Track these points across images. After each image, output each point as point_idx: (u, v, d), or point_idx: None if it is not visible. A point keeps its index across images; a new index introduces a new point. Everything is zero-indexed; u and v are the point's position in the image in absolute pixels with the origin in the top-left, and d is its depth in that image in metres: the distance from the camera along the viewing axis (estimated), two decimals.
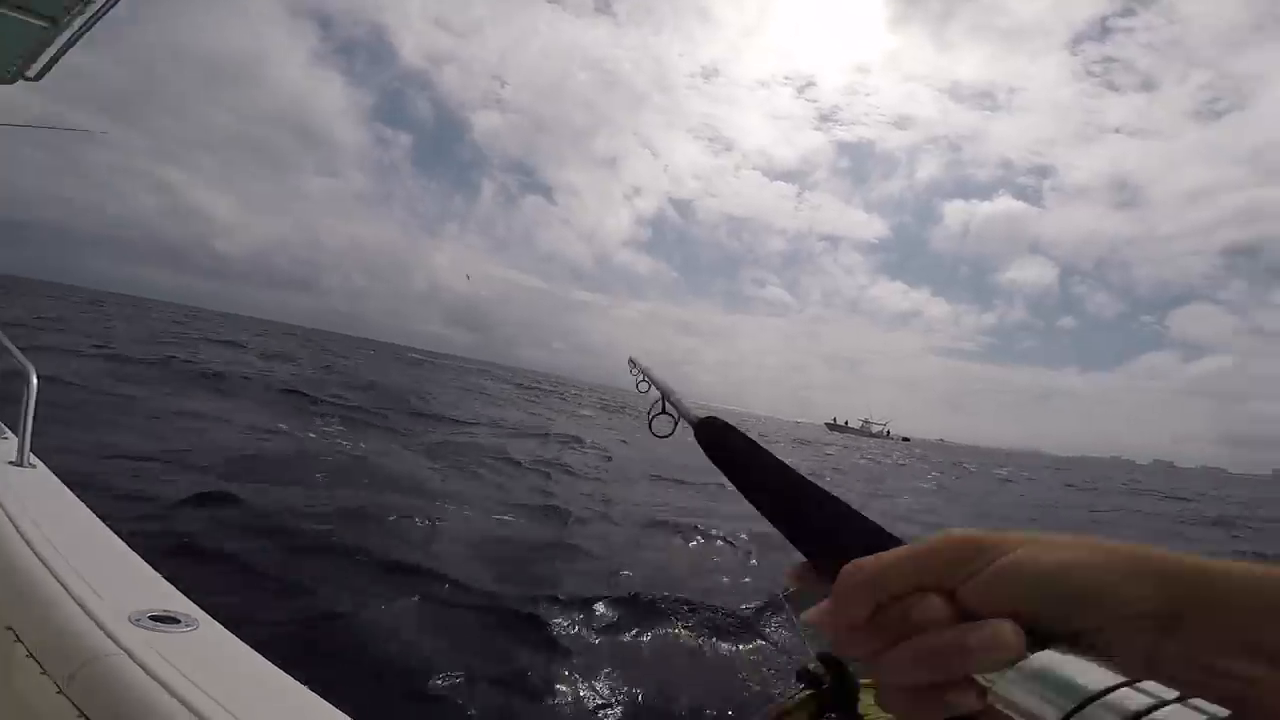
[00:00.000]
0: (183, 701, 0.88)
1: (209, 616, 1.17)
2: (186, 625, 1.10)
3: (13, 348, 2.24)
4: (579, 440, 15.40)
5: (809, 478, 0.46)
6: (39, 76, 3.98)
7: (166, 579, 1.30)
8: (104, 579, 1.21)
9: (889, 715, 0.34)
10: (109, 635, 1.00)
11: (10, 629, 1.13)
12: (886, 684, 0.33)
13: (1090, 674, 0.27)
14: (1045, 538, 0.31)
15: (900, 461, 37.87)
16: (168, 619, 1.09)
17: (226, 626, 1.17)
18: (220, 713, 0.89)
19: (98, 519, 1.59)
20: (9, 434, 2.19)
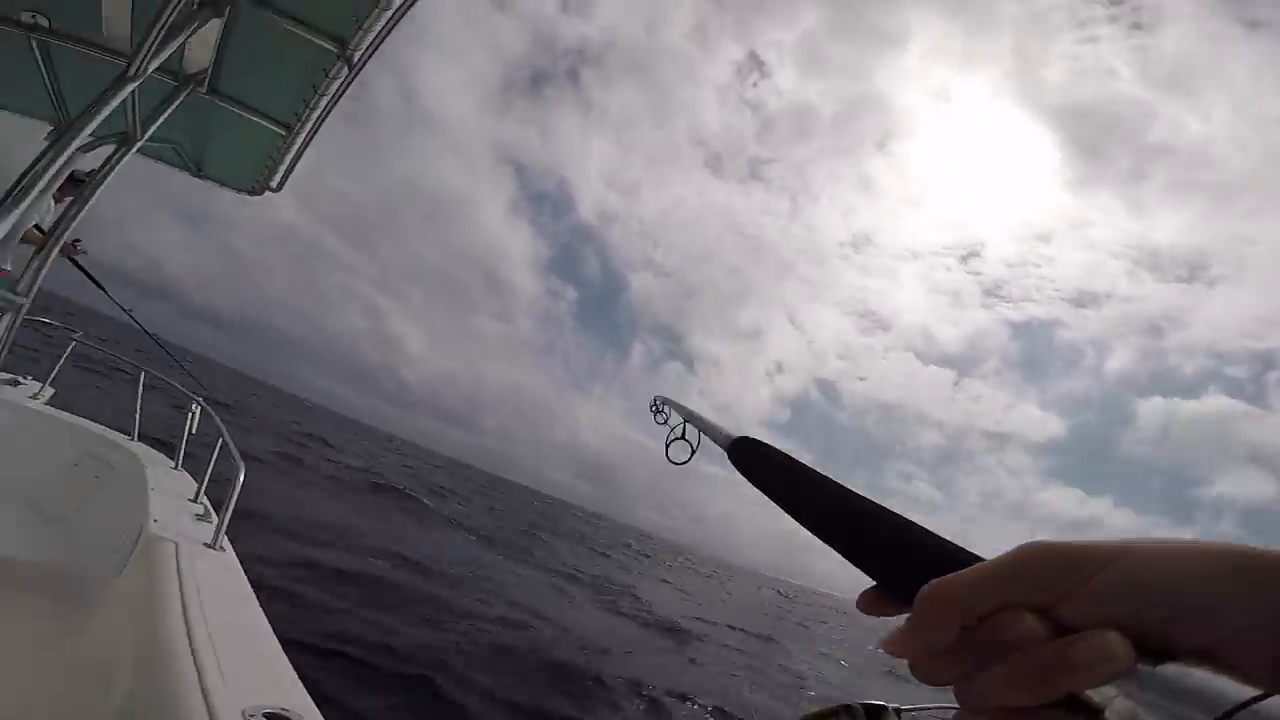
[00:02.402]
0: None
1: (321, 715, 1.14)
2: None
3: (231, 444, 2.57)
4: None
5: (865, 495, 0.42)
6: (279, 187, 4.69)
7: (302, 680, 1.31)
8: (238, 669, 1.22)
9: None
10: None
11: (133, 697, 1.16)
12: (970, 711, 0.30)
13: (1226, 686, 0.25)
14: (1143, 543, 0.28)
15: None
16: (279, 717, 1.07)
17: None
18: None
19: (261, 612, 1.67)
20: (214, 518, 2.44)
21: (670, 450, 0.84)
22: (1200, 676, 0.26)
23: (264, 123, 3.95)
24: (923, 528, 0.38)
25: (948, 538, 0.36)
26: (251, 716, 1.06)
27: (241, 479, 2.18)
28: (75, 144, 2.89)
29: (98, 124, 2.83)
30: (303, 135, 4.16)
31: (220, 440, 2.76)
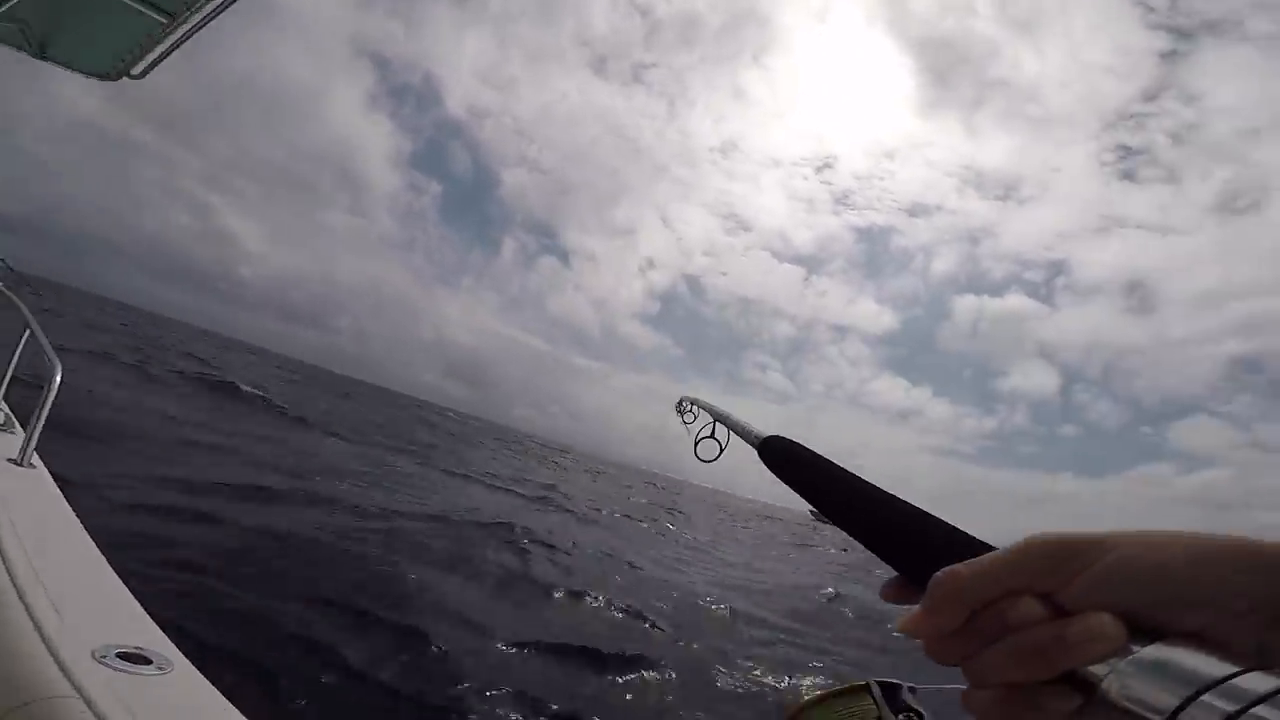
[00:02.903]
0: None
1: (185, 659, 1.01)
2: (159, 667, 0.95)
3: (45, 341, 2.18)
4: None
5: (888, 490, 0.45)
6: (143, 74, 4.10)
7: (149, 613, 1.15)
8: (77, 605, 1.07)
9: None
10: (65, 673, 0.86)
11: None
12: (977, 687, 0.33)
13: (1207, 663, 0.27)
14: (1139, 534, 0.32)
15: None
16: (138, 658, 0.95)
17: (205, 670, 1.01)
18: None
19: (88, 535, 1.45)
20: (18, 430, 2.10)
21: (699, 449, 0.86)
22: (1185, 654, 0.28)
23: (143, 8, 3.46)
24: (937, 518, 0.41)
25: (960, 527, 0.40)
26: (103, 657, 0.93)
27: (58, 381, 1.84)
28: None
29: None
30: (187, 25, 3.69)
31: (25, 332, 2.29)
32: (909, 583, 0.41)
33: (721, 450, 0.83)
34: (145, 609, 1.17)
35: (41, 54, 3.88)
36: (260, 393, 17.32)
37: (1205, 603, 0.29)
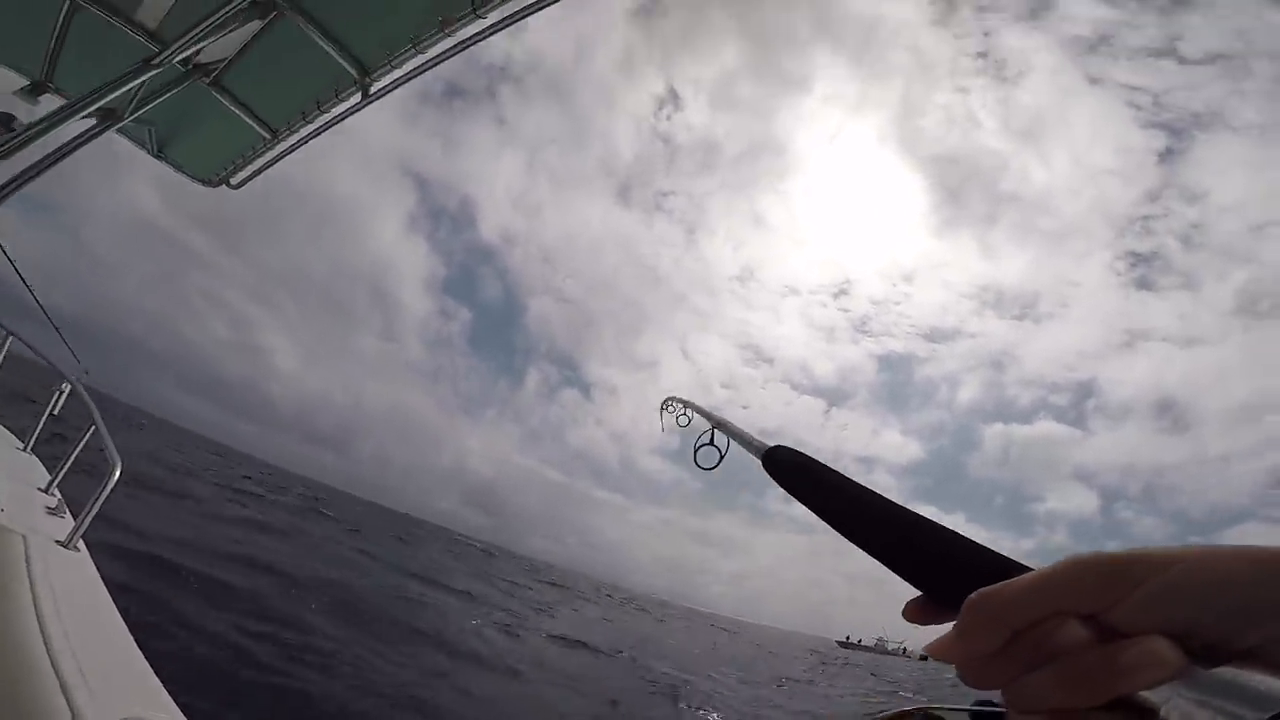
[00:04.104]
0: None
1: None
2: None
3: (107, 437, 2.34)
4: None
5: (907, 506, 0.43)
6: (241, 185, 4.45)
7: (165, 686, 1.27)
8: (103, 679, 1.17)
9: None
10: None
11: None
12: (1021, 713, 0.32)
13: (1276, 687, 0.26)
14: (1192, 550, 0.30)
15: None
16: None
17: None
18: None
19: (121, 619, 1.57)
20: (67, 514, 2.23)
21: (699, 455, 0.85)
22: (1254, 678, 0.27)
23: (250, 121, 3.89)
24: (965, 537, 0.40)
25: (990, 546, 0.39)
26: None
27: (117, 475, 1.95)
28: (74, 116, 2.74)
29: (107, 101, 2.77)
30: (286, 143, 4.10)
31: (90, 428, 2.43)
32: (934, 603, 0.39)
33: (721, 457, 0.81)
34: (164, 685, 1.30)
35: (159, 153, 4.24)
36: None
37: (1268, 621, 0.28)
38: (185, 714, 1.19)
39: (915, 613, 0.40)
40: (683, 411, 1.01)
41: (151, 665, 1.36)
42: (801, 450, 0.54)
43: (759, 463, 0.57)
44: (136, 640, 1.45)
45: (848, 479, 0.48)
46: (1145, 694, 0.28)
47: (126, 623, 1.54)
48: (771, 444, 0.58)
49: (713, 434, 0.83)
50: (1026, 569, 0.34)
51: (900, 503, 0.43)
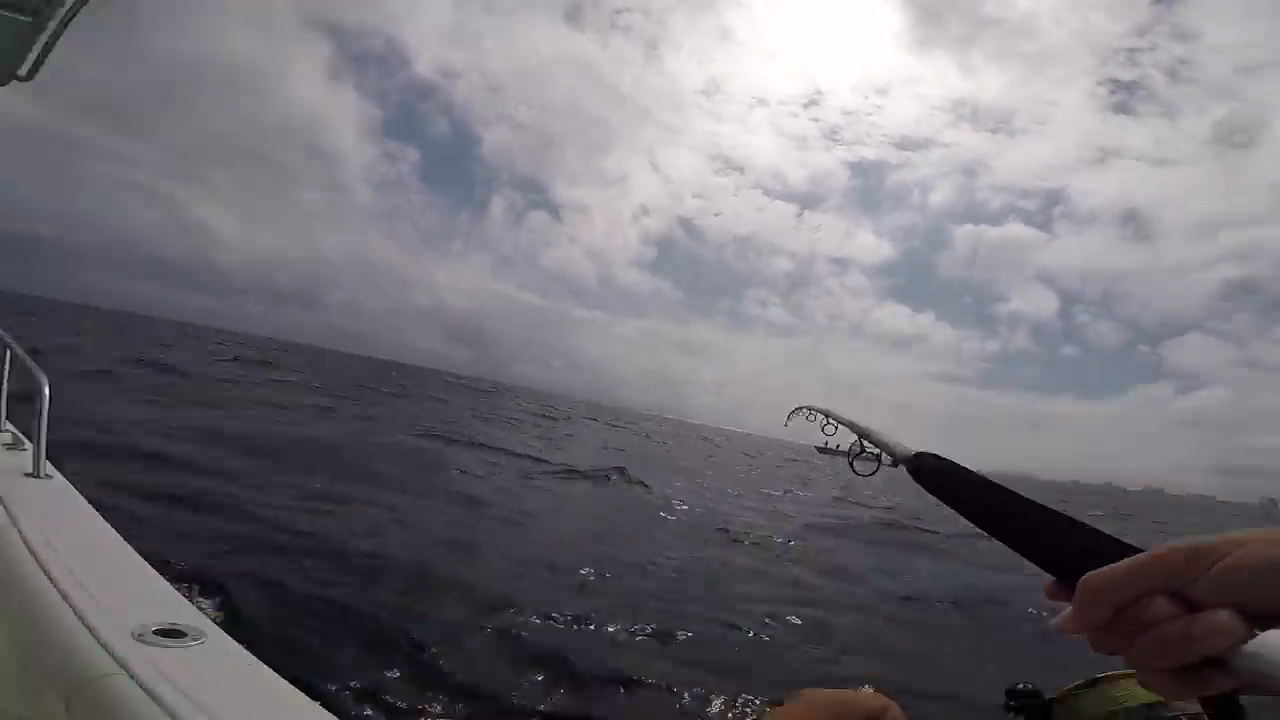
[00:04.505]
0: None
1: (218, 628, 1.11)
2: (193, 639, 1.04)
3: (26, 358, 2.22)
4: None
5: (1033, 499, 0.49)
6: (30, 76, 3.88)
7: (178, 588, 1.25)
8: (111, 593, 1.16)
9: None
10: (110, 653, 0.95)
11: (14, 649, 1.08)
12: (1141, 670, 0.39)
13: None
14: (1262, 534, 0.36)
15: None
16: (173, 633, 1.03)
17: (238, 638, 1.12)
18: None
19: (112, 530, 1.55)
20: (26, 445, 2.16)
21: (855, 464, 0.92)
22: None
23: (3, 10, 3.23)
24: (1093, 528, 0.46)
25: (1108, 532, 0.45)
26: (141, 635, 1.00)
27: (47, 393, 1.89)
28: None
29: None
30: (55, 19, 3.46)
31: (6, 353, 2.35)
32: (1063, 584, 0.45)
33: (879, 467, 0.86)
34: (174, 586, 1.28)
35: None
36: None
37: None
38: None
39: (1051, 591, 0.46)
40: (826, 422, 1.06)
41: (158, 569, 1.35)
42: (943, 456, 0.59)
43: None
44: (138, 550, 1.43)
45: (983, 478, 0.54)
46: (1220, 654, 0.35)
47: (121, 532, 1.52)
48: (915, 451, 0.63)
49: (861, 443, 0.89)
50: (1136, 550, 0.40)
51: (1028, 497, 0.50)
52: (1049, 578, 0.46)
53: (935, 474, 0.59)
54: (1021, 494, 0.50)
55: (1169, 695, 0.39)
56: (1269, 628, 0.34)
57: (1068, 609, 0.41)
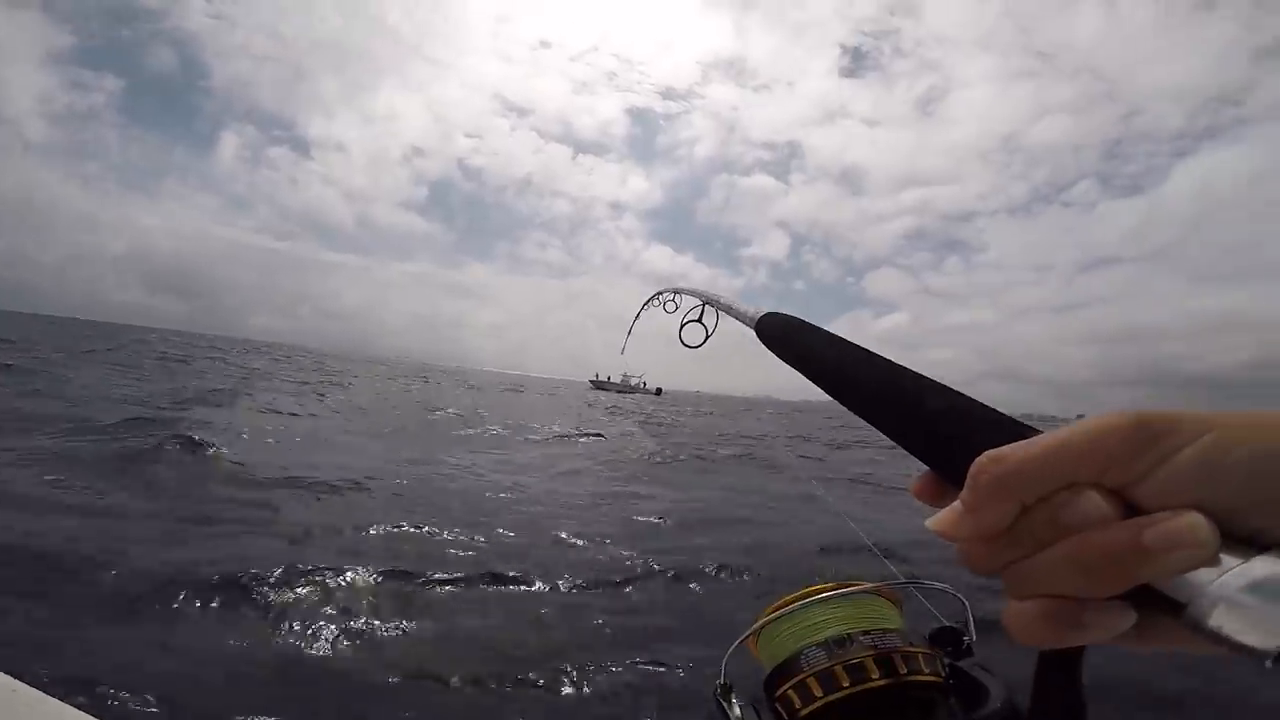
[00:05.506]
0: None
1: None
2: None
3: None
4: None
5: (911, 368, 0.38)
6: None
7: None
8: None
9: None
10: None
11: None
12: (1020, 598, 0.26)
13: None
14: (1240, 415, 0.24)
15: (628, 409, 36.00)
16: None
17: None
18: None
19: None
20: None
21: (684, 334, 0.82)
22: None
23: None
24: (976, 400, 0.33)
25: (1003, 411, 0.32)
26: None
27: None
28: None
29: None
30: None
31: None
32: (943, 478, 0.33)
33: (708, 335, 0.79)
34: None
35: None
36: None
37: None
38: None
39: (923, 490, 0.33)
40: (671, 298, 0.96)
41: None
42: (795, 316, 0.51)
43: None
44: None
45: (847, 341, 0.43)
46: (1169, 583, 0.23)
47: None
48: (764, 312, 0.55)
49: (702, 310, 0.80)
50: (1037, 432, 0.28)
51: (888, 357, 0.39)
52: (919, 474, 0.34)
53: (782, 334, 0.50)
54: (896, 361, 0.39)
55: (1037, 641, 0.26)
56: (1247, 555, 0.22)
57: (947, 510, 0.28)
